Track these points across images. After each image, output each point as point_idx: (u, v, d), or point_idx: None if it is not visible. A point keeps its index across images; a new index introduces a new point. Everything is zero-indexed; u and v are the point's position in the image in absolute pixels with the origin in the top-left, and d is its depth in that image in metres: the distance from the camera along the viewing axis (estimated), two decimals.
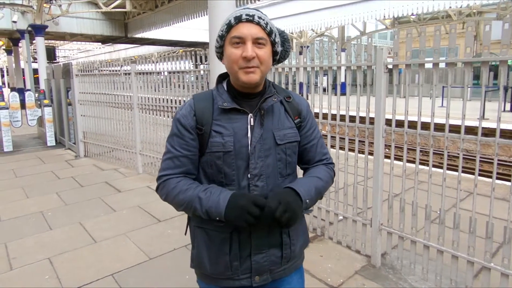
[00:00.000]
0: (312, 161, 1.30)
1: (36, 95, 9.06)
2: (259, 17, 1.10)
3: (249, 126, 1.15)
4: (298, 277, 1.32)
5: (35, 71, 14.92)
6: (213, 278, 1.21)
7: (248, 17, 1.08)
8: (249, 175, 1.14)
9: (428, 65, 2.61)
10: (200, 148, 1.17)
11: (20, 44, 18.84)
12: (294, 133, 1.23)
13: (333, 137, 3.23)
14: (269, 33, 1.12)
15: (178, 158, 1.17)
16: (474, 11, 18.16)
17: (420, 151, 2.65)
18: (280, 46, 1.19)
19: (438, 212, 2.58)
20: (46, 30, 14.49)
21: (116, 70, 6.30)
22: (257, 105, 1.17)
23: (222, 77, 1.24)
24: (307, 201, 1.12)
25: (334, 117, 3.19)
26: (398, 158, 6.21)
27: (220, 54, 1.19)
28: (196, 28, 21.01)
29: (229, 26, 1.10)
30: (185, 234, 1.32)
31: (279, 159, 1.19)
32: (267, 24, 1.11)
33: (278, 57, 1.20)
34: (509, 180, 5.89)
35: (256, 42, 1.09)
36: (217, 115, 1.16)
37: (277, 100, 1.20)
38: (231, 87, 1.19)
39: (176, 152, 1.17)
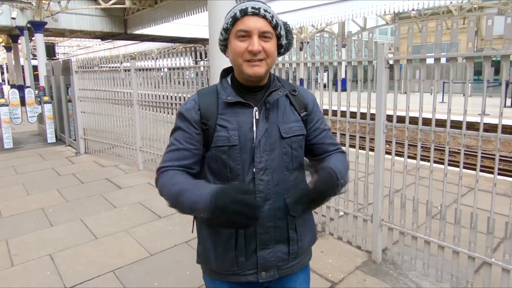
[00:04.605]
0: (325, 153, 1.26)
1: (36, 92, 9.06)
2: (265, 10, 1.07)
3: (254, 120, 1.13)
4: (304, 275, 1.29)
5: (35, 68, 14.89)
6: (219, 273, 1.19)
7: (254, 10, 1.06)
8: (254, 169, 1.12)
9: (429, 61, 2.60)
10: (205, 143, 1.15)
11: (19, 41, 18.81)
12: (300, 127, 1.20)
13: (333, 133, 3.21)
14: (275, 27, 1.10)
15: (180, 151, 1.14)
16: (475, 6, 18.07)
17: (421, 146, 2.64)
18: (285, 39, 1.16)
19: (439, 207, 2.58)
20: (46, 26, 14.47)
21: (115, 67, 6.29)
22: (262, 99, 1.15)
23: (226, 72, 1.22)
24: (342, 181, 1.08)
25: (334, 113, 3.18)
26: (399, 154, 6.21)
27: (224, 47, 1.16)
28: (196, 25, 20.93)
29: (235, 19, 1.08)
30: (192, 231, 1.29)
31: (284, 153, 1.16)
32: (272, 17, 1.08)
33: (283, 49, 1.18)
34: (510, 176, 5.89)
35: (262, 35, 1.07)
36: (221, 109, 1.14)
37: (282, 94, 1.17)
38: (235, 81, 1.18)
39: (179, 145, 1.15)
